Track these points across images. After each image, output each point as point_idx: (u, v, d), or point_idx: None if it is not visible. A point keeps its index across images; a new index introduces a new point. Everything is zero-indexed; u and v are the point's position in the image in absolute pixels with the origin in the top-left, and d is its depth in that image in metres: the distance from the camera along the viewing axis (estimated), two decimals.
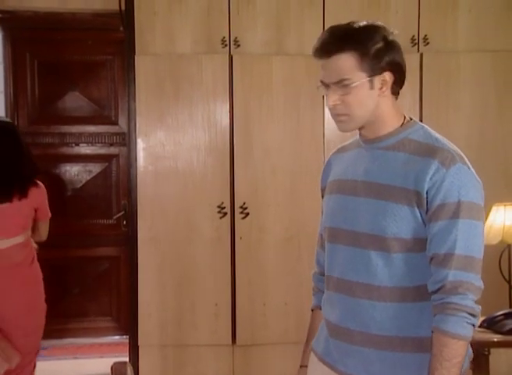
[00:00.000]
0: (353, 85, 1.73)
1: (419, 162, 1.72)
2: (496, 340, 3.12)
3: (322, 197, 2.01)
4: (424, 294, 1.73)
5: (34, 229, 3.51)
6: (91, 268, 5.13)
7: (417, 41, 4.02)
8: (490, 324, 3.20)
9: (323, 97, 4.17)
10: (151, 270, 4.01)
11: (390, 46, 1.76)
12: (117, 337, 5.30)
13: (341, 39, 1.74)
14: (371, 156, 1.82)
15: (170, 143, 4.00)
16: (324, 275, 1.99)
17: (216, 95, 4.00)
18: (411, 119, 1.86)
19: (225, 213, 4.00)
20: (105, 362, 4.09)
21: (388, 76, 1.77)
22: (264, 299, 4.04)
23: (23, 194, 3.33)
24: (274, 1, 4.03)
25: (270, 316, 4.04)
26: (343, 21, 4.28)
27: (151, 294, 4.01)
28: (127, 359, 4.07)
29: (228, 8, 4.01)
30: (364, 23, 1.77)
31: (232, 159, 4.01)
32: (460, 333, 1.66)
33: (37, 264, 3.43)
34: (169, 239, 4.01)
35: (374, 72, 1.74)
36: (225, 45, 4.01)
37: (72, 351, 5.11)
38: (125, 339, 4.68)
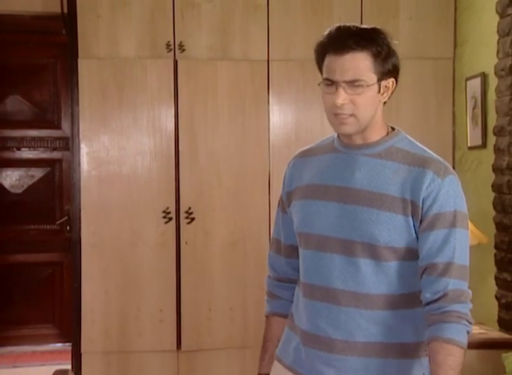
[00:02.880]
0: (366, 86, 1.70)
1: (412, 171, 1.73)
2: None
3: (287, 201, 1.94)
4: (408, 302, 1.77)
5: None
6: (34, 274, 5.05)
7: None
8: None
9: (268, 102, 4.22)
10: (94, 276, 3.96)
11: (394, 51, 1.76)
12: (59, 345, 5.21)
13: (359, 36, 1.69)
14: (356, 163, 1.78)
15: (114, 148, 3.96)
16: (280, 281, 1.99)
17: (161, 100, 3.98)
18: (393, 128, 1.85)
19: (171, 218, 3.98)
20: (47, 370, 4.02)
21: (391, 83, 1.77)
22: (209, 304, 4.03)
23: None
24: (219, 6, 4.03)
25: (215, 321, 4.04)
26: (287, 27, 4.33)
27: (94, 301, 3.96)
28: (70, 367, 4.02)
29: (172, 13, 3.99)
30: (372, 25, 1.77)
31: (178, 164, 4.00)
32: (464, 341, 1.68)
33: None
34: (113, 244, 3.96)
35: (382, 76, 1.73)
36: (170, 50, 3.98)
37: (12, 360, 5.01)
38: (67, 346, 4.61)
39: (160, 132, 3.98)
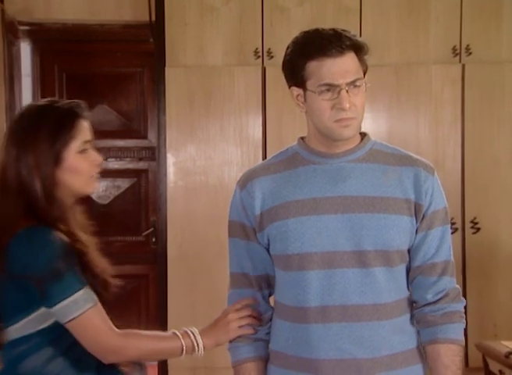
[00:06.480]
0: (363, 85, 1.67)
1: (404, 171, 1.70)
2: None
3: (258, 225, 1.79)
4: (410, 304, 1.75)
5: None
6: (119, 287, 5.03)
7: (458, 51, 3.85)
8: None
9: None
10: (180, 289, 3.91)
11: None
12: None
13: (347, 36, 1.65)
14: (343, 170, 1.70)
15: (201, 158, 3.91)
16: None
17: (248, 108, 3.91)
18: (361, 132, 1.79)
19: None
20: None
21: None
22: None
23: None
24: (309, 10, 3.92)
25: None
26: (381, 30, 4.14)
27: (180, 315, 3.89)
28: None
29: (261, 19, 3.92)
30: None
31: None
32: (463, 339, 1.72)
33: None
34: (200, 257, 3.90)
35: (364, 74, 1.70)
36: (258, 57, 3.92)
37: None
38: (154, 362, 4.56)
39: (247, 141, 3.90)
